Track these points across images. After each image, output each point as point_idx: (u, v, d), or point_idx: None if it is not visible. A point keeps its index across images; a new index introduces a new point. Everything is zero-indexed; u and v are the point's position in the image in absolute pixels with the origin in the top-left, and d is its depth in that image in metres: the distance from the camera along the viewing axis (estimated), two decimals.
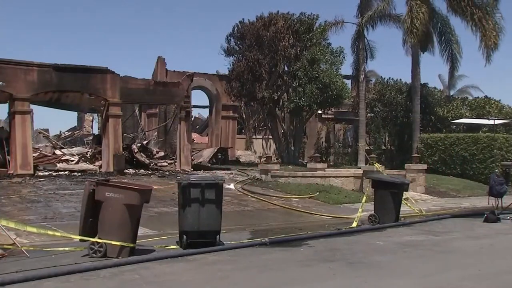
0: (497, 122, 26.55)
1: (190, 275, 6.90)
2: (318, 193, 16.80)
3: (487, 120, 26.42)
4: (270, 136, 31.18)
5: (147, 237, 9.24)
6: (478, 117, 28.13)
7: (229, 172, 22.09)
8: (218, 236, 8.60)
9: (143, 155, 23.05)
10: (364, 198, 12.74)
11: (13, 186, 15.83)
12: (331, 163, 28.33)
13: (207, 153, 27.56)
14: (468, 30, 25.46)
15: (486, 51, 25.06)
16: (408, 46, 27.58)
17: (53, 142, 26.87)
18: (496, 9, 25.58)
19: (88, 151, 23.68)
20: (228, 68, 27.09)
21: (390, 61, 76.63)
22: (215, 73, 32.71)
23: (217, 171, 22.10)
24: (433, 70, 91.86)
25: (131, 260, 7.41)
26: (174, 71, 29.11)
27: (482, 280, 6.71)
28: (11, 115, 19.19)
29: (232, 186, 17.38)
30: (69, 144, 29.30)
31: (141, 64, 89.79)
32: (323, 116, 32.51)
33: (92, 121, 39.53)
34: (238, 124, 34.08)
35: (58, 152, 23.92)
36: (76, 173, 19.66)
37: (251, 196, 15.72)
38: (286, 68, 26.10)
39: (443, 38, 27.93)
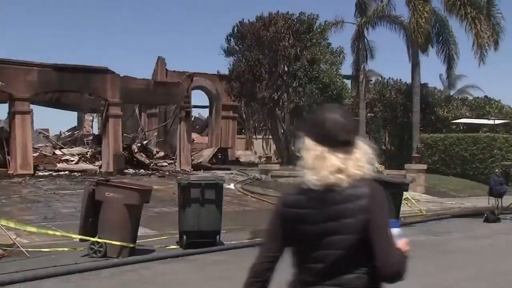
0: (497, 122, 26.53)
1: (190, 275, 6.90)
2: None
3: (487, 120, 26.40)
4: (270, 136, 31.16)
5: (147, 237, 9.23)
6: (478, 117, 28.11)
7: (229, 172, 22.07)
8: (218, 236, 8.60)
9: (143, 155, 23.04)
10: None
11: (13, 186, 15.85)
12: None
13: (207, 153, 27.54)
14: (465, 30, 25.38)
15: (479, 52, 24.96)
16: (412, 46, 27.49)
17: (53, 142, 26.88)
18: (493, 9, 25.49)
19: (88, 151, 23.68)
20: (228, 68, 27.12)
21: (390, 61, 76.56)
22: (215, 73, 32.69)
23: (217, 171, 22.08)
24: (434, 70, 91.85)
25: (131, 260, 7.41)
26: (174, 71, 29.06)
27: (482, 280, 6.71)
28: (11, 115, 19.20)
29: (232, 186, 17.36)
30: (69, 144, 29.28)
31: (141, 64, 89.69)
32: None
33: (92, 121, 39.50)
34: (238, 124, 34.04)
35: (58, 152, 23.91)
36: (76, 173, 19.67)
37: (251, 196, 15.72)
38: (286, 68, 26.08)
39: (440, 39, 27.86)
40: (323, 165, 1.91)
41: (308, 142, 1.98)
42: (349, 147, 1.96)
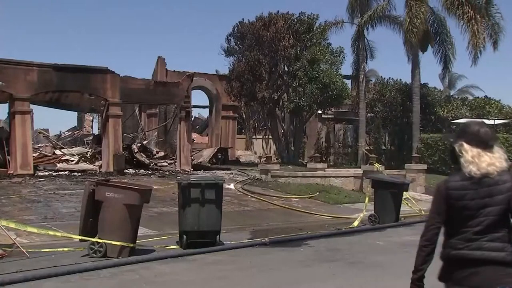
0: (497, 122, 26.55)
1: (190, 275, 6.90)
2: (318, 193, 16.79)
3: (487, 120, 26.40)
4: (270, 136, 31.16)
5: (147, 237, 9.24)
6: (478, 117, 28.09)
7: (229, 172, 22.06)
8: (218, 236, 8.60)
9: (143, 155, 23.04)
10: (367, 199, 12.78)
11: (13, 186, 15.83)
12: (331, 163, 28.31)
13: (207, 153, 27.54)
14: (461, 30, 25.27)
15: (474, 52, 24.89)
16: (408, 46, 27.50)
17: (53, 142, 26.88)
18: (491, 9, 25.42)
19: (88, 151, 23.67)
20: (228, 68, 27.11)
21: (390, 61, 76.60)
22: (215, 73, 32.68)
23: (217, 171, 22.09)
24: (435, 70, 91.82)
25: (131, 260, 7.41)
26: (174, 71, 29.08)
27: None
28: (11, 115, 19.19)
29: (232, 186, 17.36)
30: (69, 144, 29.30)
31: (141, 64, 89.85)
32: (323, 116, 32.46)
33: (92, 121, 39.55)
34: (238, 124, 34.04)
35: (58, 152, 23.92)
36: (76, 173, 19.65)
37: (251, 196, 15.71)
38: (286, 68, 26.08)
39: (438, 39, 27.84)
40: (480, 160, 2.93)
41: (467, 145, 3.02)
42: (493, 149, 3.01)
